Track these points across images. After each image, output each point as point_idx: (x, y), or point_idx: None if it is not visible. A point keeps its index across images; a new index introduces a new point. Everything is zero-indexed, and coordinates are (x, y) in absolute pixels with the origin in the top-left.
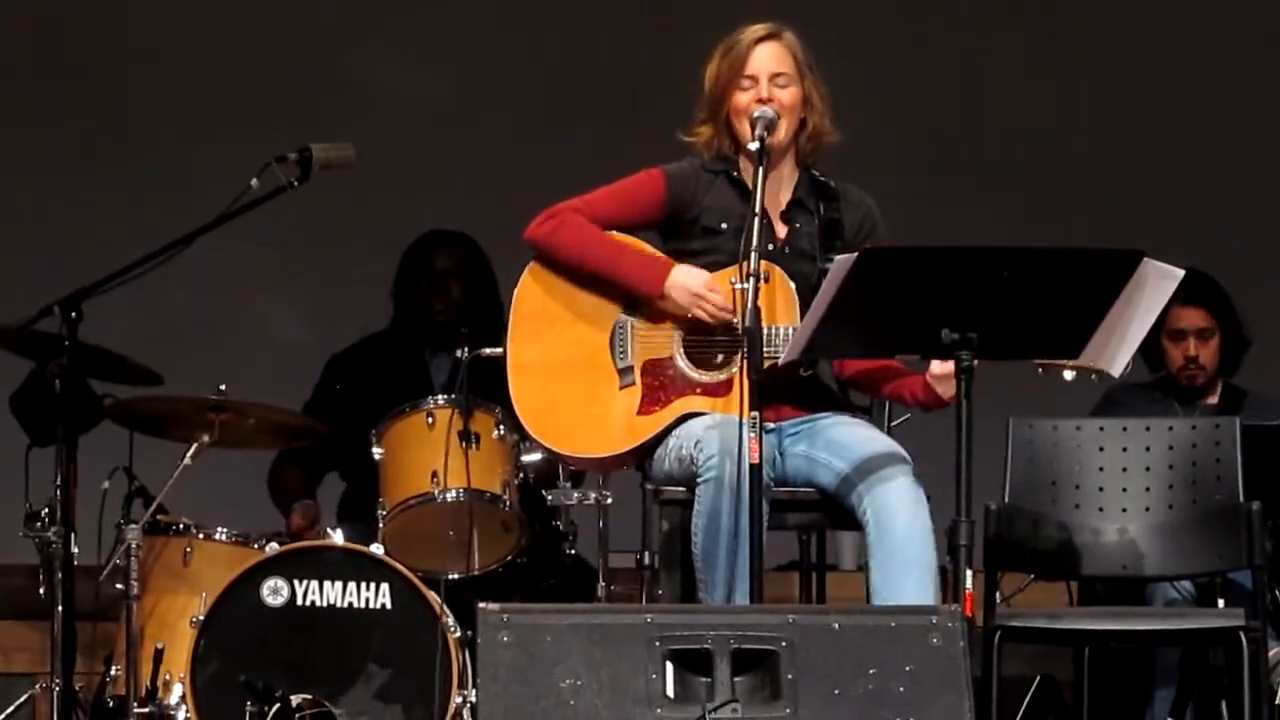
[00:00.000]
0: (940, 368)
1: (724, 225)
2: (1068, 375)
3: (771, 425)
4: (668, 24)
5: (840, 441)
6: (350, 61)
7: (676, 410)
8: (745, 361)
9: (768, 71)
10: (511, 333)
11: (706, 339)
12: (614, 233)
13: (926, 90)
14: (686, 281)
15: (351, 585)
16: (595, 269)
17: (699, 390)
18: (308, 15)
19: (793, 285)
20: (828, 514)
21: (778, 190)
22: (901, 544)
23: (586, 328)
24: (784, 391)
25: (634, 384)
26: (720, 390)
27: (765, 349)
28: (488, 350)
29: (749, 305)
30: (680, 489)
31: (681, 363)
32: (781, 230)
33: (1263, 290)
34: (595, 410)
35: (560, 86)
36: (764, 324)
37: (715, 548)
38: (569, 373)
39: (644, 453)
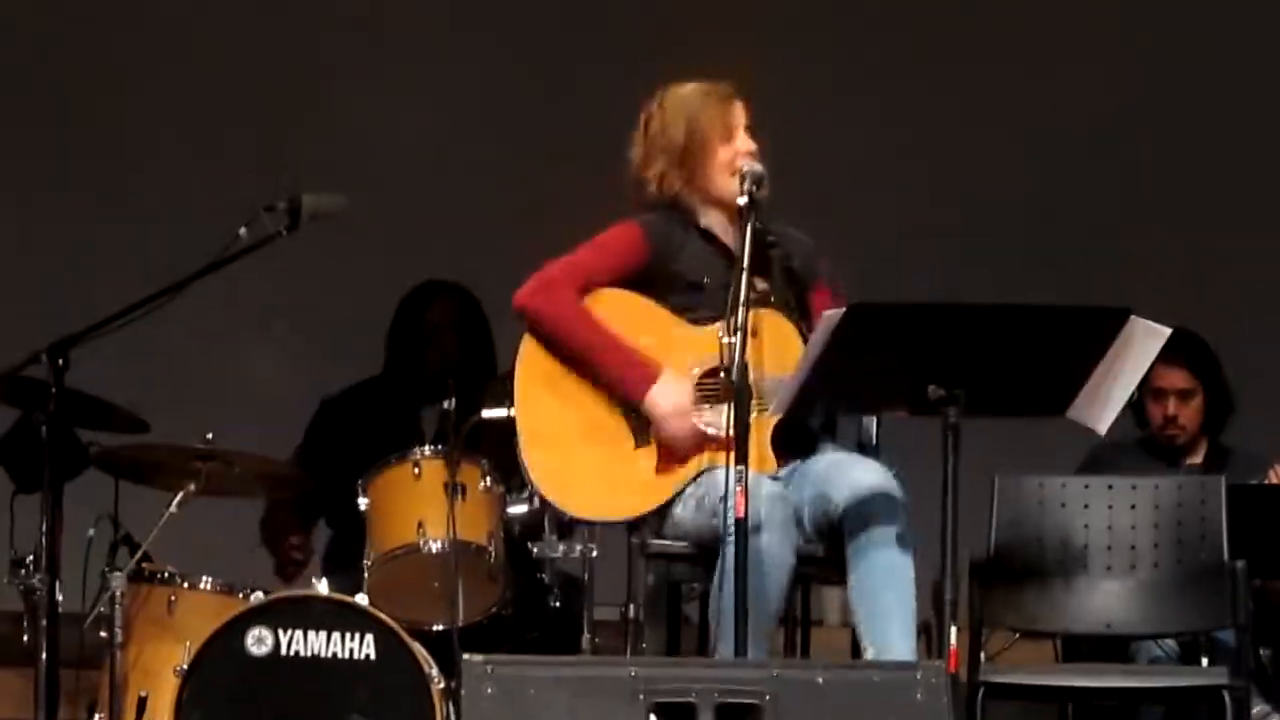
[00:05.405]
0: None
1: (706, 280)
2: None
3: (781, 473)
4: (665, 65)
5: (830, 476)
6: (343, 105)
7: (695, 467)
8: (731, 415)
9: (744, 125)
10: (519, 397)
11: (715, 389)
12: (615, 289)
13: (910, 150)
14: (671, 398)
15: (336, 635)
16: (581, 355)
17: (715, 446)
18: (303, 57)
19: (792, 326)
20: (819, 565)
21: (740, 242)
22: (880, 586)
23: (595, 387)
24: (795, 438)
25: (650, 442)
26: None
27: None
28: (488, 413)
29: (736, 360)
30: (667, 542)
31: (694, 417)
32: (760, 282)
33: (1248, 348)
34: (614, 472)
35: (553, 128)
36: (766, 374)
37: (737, 602)
38: (583, 436)
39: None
